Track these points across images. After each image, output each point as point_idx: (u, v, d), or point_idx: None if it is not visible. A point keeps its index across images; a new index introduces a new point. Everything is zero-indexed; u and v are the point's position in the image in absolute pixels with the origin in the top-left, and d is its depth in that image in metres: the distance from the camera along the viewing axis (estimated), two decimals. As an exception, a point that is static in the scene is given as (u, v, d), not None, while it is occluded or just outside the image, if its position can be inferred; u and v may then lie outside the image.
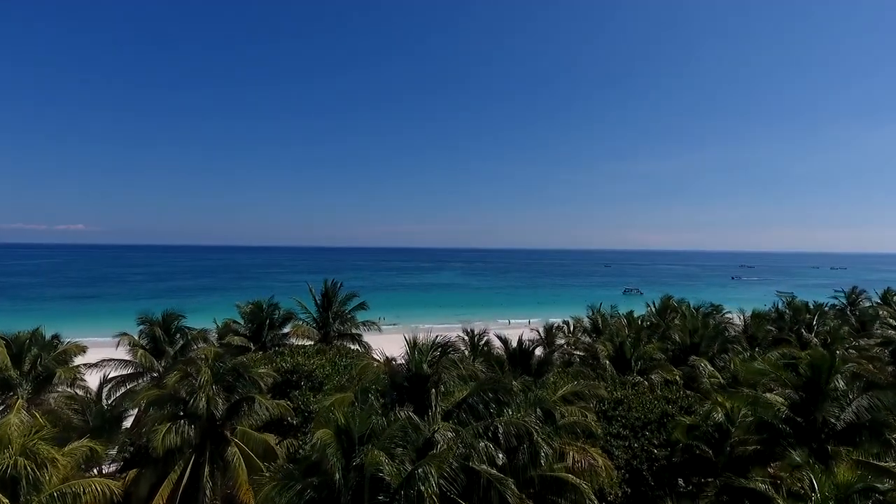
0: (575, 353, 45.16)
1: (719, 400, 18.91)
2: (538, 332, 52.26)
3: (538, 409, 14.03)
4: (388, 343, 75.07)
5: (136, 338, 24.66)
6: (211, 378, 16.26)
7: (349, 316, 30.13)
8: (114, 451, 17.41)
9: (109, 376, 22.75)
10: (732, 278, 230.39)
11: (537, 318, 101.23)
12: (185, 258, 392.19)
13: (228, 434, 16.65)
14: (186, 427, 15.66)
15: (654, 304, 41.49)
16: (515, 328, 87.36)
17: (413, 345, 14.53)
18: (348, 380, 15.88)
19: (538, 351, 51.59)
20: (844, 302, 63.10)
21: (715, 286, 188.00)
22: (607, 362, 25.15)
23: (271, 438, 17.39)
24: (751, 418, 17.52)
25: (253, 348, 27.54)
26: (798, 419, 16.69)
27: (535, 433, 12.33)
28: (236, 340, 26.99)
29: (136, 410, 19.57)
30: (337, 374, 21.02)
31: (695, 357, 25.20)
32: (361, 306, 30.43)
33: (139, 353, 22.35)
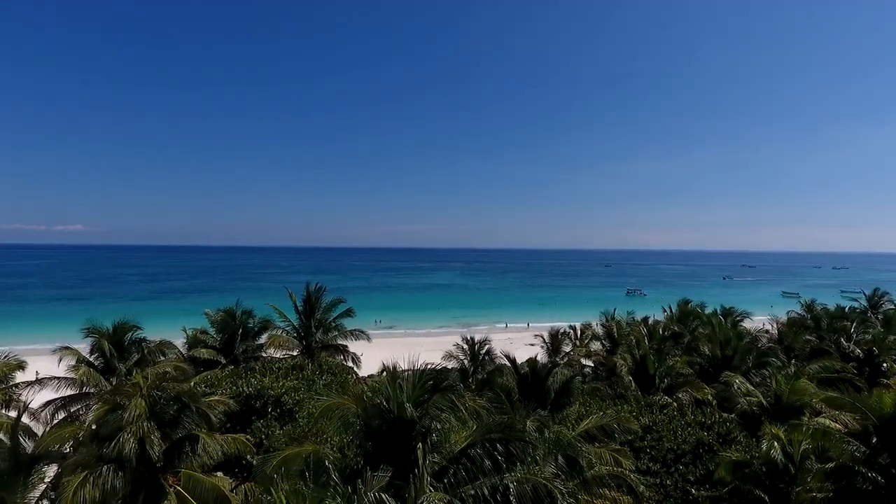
0: (585, 363, 41.75)
1: (773, 431, 15.54)
2: (543, 338, 48.94)
3: (559, 457, 10.73)
4: (383, 350, 71.44)
5: (91, 349, 21.23)
6: (146, 411, 12.93)
7: (334, 324, 26.79)
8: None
9: (51, 398, 19.35)
10: (724, 278, 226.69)
11: (538, 321, 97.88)
12: (183, 259, 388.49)
13: (170, 480, 13.33)
14: (111, 476, 12.28)
15: (670, 308, 38.11)
16: (513, 331, 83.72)
17: (392, 377, 11.10)
18: (320, 415, 12.49)
19: (541, 355, 48.25)
20: (864, 304, 59.59)
21: (719, 286, 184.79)
22: (629, 379, 21.80)
23: (226, 483, 14.07)
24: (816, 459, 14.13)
25: (223, 362, 24.22)
26: (884, 461, 13.34)
27: (558, 499, 9.01)
28: (204, 353, 23.66)
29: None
30: (312, 398, 17.73)
31: (728, 373, 21.91)
32: (348, 313, 27.08)
33: (81, 371, 18.96)
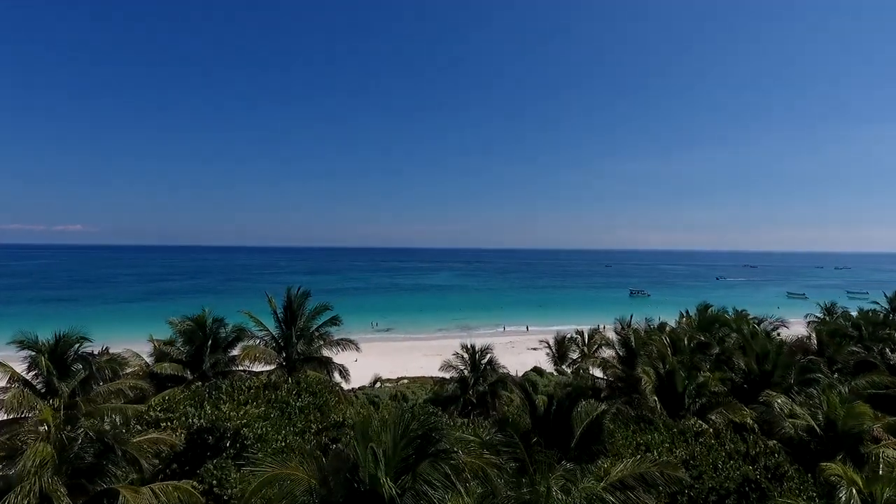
0: (595, 374, 38.64)
1: (845, 473, 12.57)
2: (548, 343, 46.08)
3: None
4: (379, 355, 68.11)
5: (28, 366, 18.22)
6: (53, 458, 9.97)
7: (318, 334, 23.81)
8: None
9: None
10: (717, 278, 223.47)
11: (539, 323, 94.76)
12: (183, 259, 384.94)
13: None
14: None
15: (687, 313, 35.08)
16: (514, 335, 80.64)
17: (363, 434, 7.82)
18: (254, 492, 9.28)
19: (546, 363, 45.03)
20: (886, 307, 56.47)
21: (721, 288, 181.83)
22: (655, 399, 18.80)
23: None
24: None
25: (190, 377, 21.23)
26: None
27: None
28: (167, 369, 20.68)
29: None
30: (283, 427, 14.74)
31: (770, 391, 18.98)
32: (333, 321, 24.08)
33: (11, 394, 15.97)
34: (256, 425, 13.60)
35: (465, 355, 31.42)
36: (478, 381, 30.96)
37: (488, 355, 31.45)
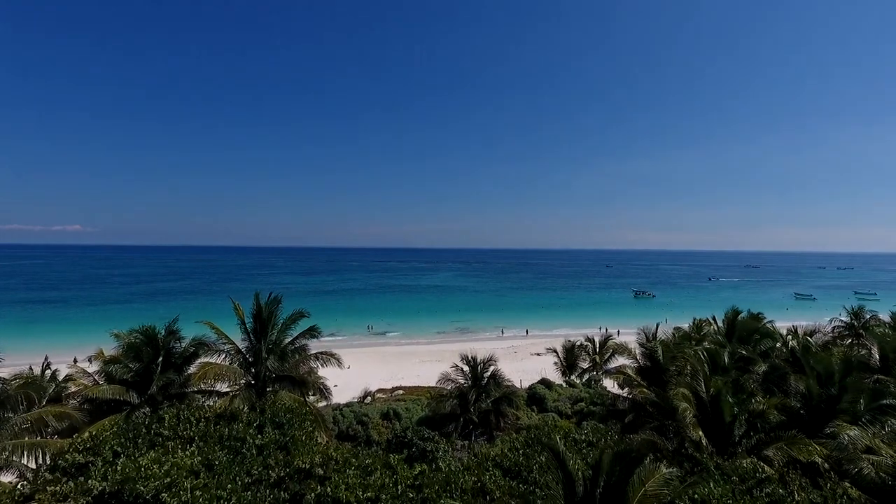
0: (608, 385, 34.99)
1: None
2: (556, 352, 42.43)
3: None
4: (373, 361, 64.21)
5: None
6: None
7: (293, 347, 20.19)
8: None
9: None
10: (710, 279, 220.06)
11: (540, 326, 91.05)
12: (180, 259, 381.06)
13: None
14: None
15: (715, 320, 31.51)
16: (515, 338, 76.87)
17: None
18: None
19: (553, 372, 41.27)
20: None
21: (727, 289, 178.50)
22: (700, 435, 15.19)
23: None
24: None
25: (135, 402, 17.62)
26: None
27: None
28: (108, 392, 17.09)
29: None
30: (229, 480, 11.12)
31: (841, 422, 15.48)
32: (312, 332, 20.43)
33: None
34: (185, 484, 9.96)
35: (466, 368, 27.87)
36: (480, 397, 27.39)
37: (491, 368, 27.88)
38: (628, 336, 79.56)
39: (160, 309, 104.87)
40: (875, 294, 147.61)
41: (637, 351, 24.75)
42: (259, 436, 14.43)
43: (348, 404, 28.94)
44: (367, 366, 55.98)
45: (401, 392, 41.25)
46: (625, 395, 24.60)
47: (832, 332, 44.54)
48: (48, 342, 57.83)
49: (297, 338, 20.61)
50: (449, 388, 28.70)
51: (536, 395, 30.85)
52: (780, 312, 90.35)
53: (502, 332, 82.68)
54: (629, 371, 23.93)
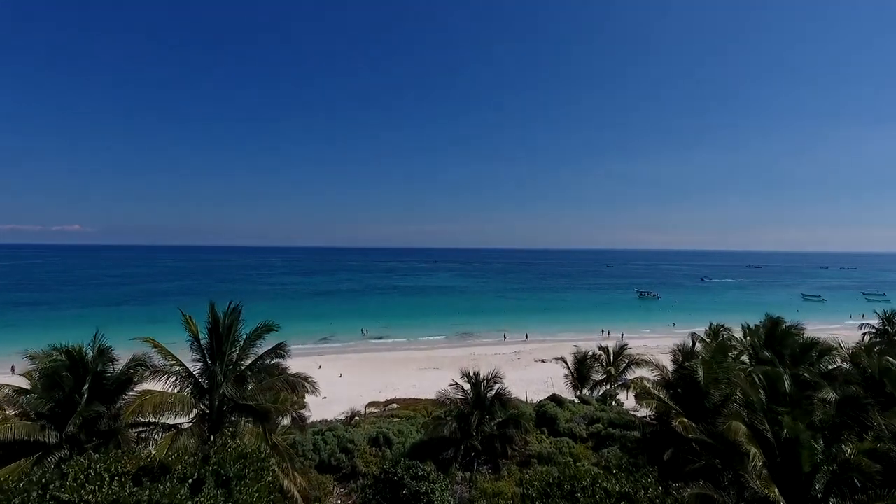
0: (624, 399, 31.40)
1: None
2: (565, 362, 38.52)
3: None
4: (366, 370, 60.13)
5: None
6: None
7: (256, 368, 16.52)
8: None
9: None
10: (702, 280, 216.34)
11: (543, 329, 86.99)
12: (177, 258, 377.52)
13: None
14: None
15: (748, 326, 27.88)
16: (515, 343, 72.82)
17: None
18: None
19: (564, 386, 37.46)
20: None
21: (733, 290, 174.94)
22: (776, 495, 11.54)
23: None
24: None
25: (51, 442, 13.98)
26: None
27: None
28: (15, 431, 13.47)
29: None
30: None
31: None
32: (278, 351, 16.71)
33: None
34: None
35: (467, 386, 24.18)
36: (483, 419, 23.71)
37: (496, 386, 24.17)
38: (636, 340, 75.98)
39: (148, 311, 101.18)
40: (885, 295, 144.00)
41: (668, 366, 21.09)
42: (191, 502, 10.73)
43: (332, 428, 25.23)
44: (360, 375, 52.30)
45: (395, 406, 37.59)
46: (649, 417, 20.90)
47: (863, 338, 41.01)
48: (20, 346, 54.14)
49: (261, 357, 16.90)
50: (447, 406, 25.03)
51: (547, 415, 27.21)
52: (791, 315, 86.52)
53: (504, 337, 78.88)
54: (650, 386, 20.15)
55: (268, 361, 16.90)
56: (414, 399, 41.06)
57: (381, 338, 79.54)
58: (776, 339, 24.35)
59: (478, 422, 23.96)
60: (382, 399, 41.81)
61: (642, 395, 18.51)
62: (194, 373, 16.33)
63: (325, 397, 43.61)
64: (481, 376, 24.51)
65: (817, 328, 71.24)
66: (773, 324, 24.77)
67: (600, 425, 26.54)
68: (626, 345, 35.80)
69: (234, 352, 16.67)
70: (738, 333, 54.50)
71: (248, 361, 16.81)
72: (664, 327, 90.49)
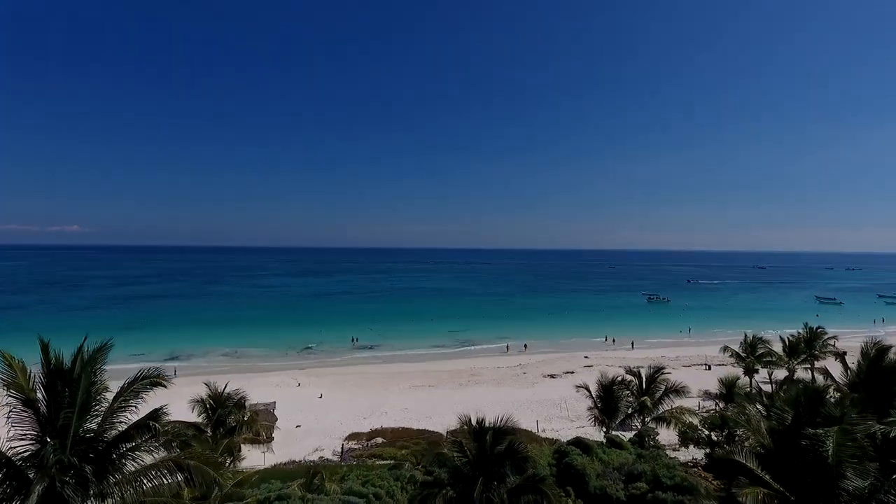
0: (661, 437, 24.83)
1: None
2: (588, 391, 31.50)
3: None
4: (353, 386, 52.98)
5: None
6: None
7: (123, 450, 9.93)
8: None
9: None
10: (688, 281, 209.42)
11: (549, 337, 79.66)
12: (172, 260, 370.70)
13: None
14: None
15: (842, 357, 21.30)
16: (516, 355, 65.06)
17: None
18: None
19: (588, 428, 30.67)
20: None
21: (742, 292, 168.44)
22: None
23: None
24: None
25: None
26: None
27: None
28: None
29: None
30: None
31: None
32: (155, 416, 10.06)
33: None
34: None
35: (466, 442, 17.60)
36: (490, 486, 17.19)
37: (508, 439, 17.60)
38: (647, 351, 68.93)
39: (124, 317, 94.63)
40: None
41: (714, 402, 14.55)
42: None
43: (282, 497, 18.49)
44: (344, 394, 45.62)
45: (380, 441, 31.02)
46: (701, 473, 14.30)
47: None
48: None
49: (137, 426, 10.33)
50: (443, 455, 18.55)
51: (572, 470, 20.69)
52: (811, 319, 79.53)
53: (507, 348, 71.90)
54: (743, 460, 13.61)
55: (140, 438, 10.29)
56: (404, 429, 34.54)
57: (372, 347, 72.83)
58: (883, 373, 17.85)
59: (483, 486, 17.49)
60: (367, 429, 35.21)
61: (741, 485, 11.94)
62: (14, 458, 9.74)
63: (298, 426, 36.95)
64: (486, 423, 18.02)
65: (838, 331, 64.61)
66: (879, 352, 18.28)
67: (643, 484, 20.03)
68: (662, 367, 29.23)
69: (80, 417, 10.10)
70: (777, 346, 48.05)
71: (110, 433, 10.24)
72: (677, 334, 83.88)
